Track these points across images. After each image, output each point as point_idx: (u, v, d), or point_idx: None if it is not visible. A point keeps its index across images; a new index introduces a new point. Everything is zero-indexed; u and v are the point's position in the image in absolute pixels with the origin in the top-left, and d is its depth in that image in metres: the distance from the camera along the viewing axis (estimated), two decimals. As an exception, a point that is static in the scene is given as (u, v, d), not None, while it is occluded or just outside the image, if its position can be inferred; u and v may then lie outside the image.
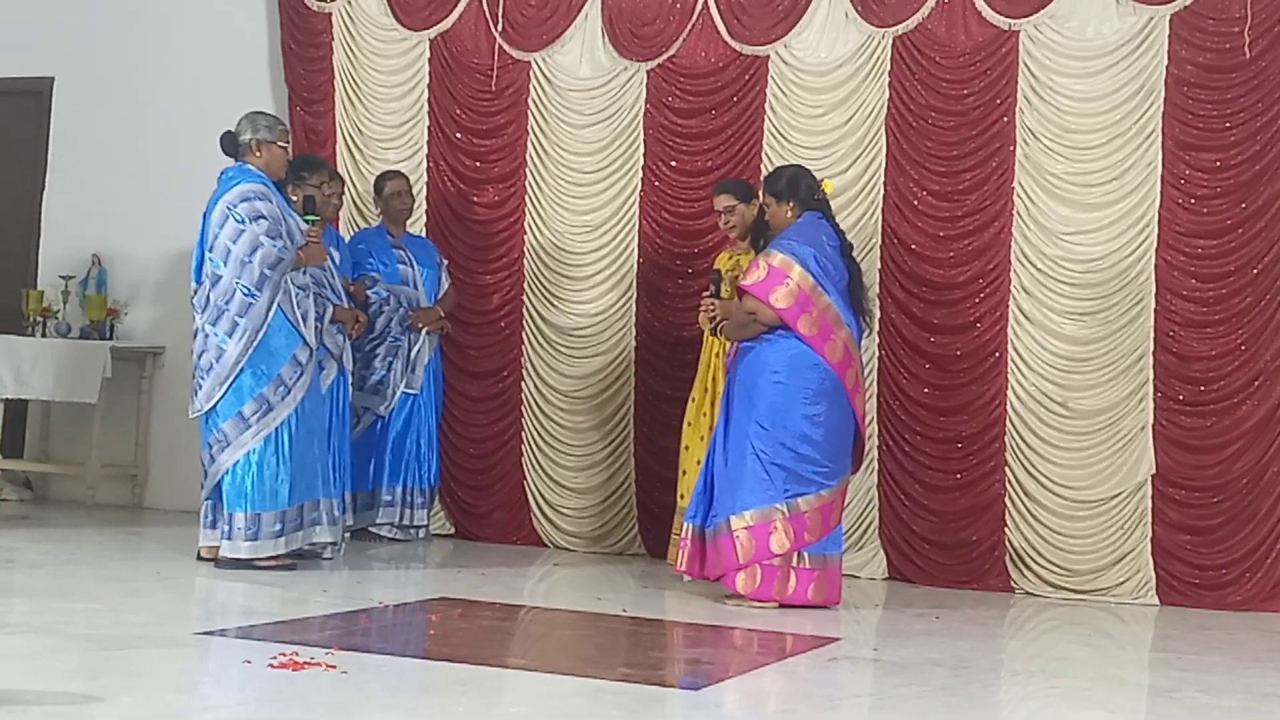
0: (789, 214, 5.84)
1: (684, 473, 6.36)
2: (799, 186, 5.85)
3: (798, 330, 5.64)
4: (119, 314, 8.05)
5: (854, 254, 5.94)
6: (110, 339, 7.93)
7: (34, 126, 8.38)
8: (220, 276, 5.86)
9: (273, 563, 5.86)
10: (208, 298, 5.89)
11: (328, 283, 6.27)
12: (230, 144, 6.06)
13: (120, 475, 8.02)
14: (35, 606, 4.93)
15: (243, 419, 5.84)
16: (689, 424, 6.41)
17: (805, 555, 5.65)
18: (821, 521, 5.67)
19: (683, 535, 5.85)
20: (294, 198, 6.21)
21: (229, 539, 5.84)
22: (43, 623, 4.61)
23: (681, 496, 6.30)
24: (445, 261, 7.30)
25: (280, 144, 6.07)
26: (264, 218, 5.87)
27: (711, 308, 5.94)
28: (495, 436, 7.44)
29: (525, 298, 7.38)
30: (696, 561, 5.77)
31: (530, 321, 7.38)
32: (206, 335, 5.88)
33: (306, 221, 6.06)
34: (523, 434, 7.38)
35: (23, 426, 8.30)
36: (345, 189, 7.34)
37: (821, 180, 5.97)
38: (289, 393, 5.90)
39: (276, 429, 5.86)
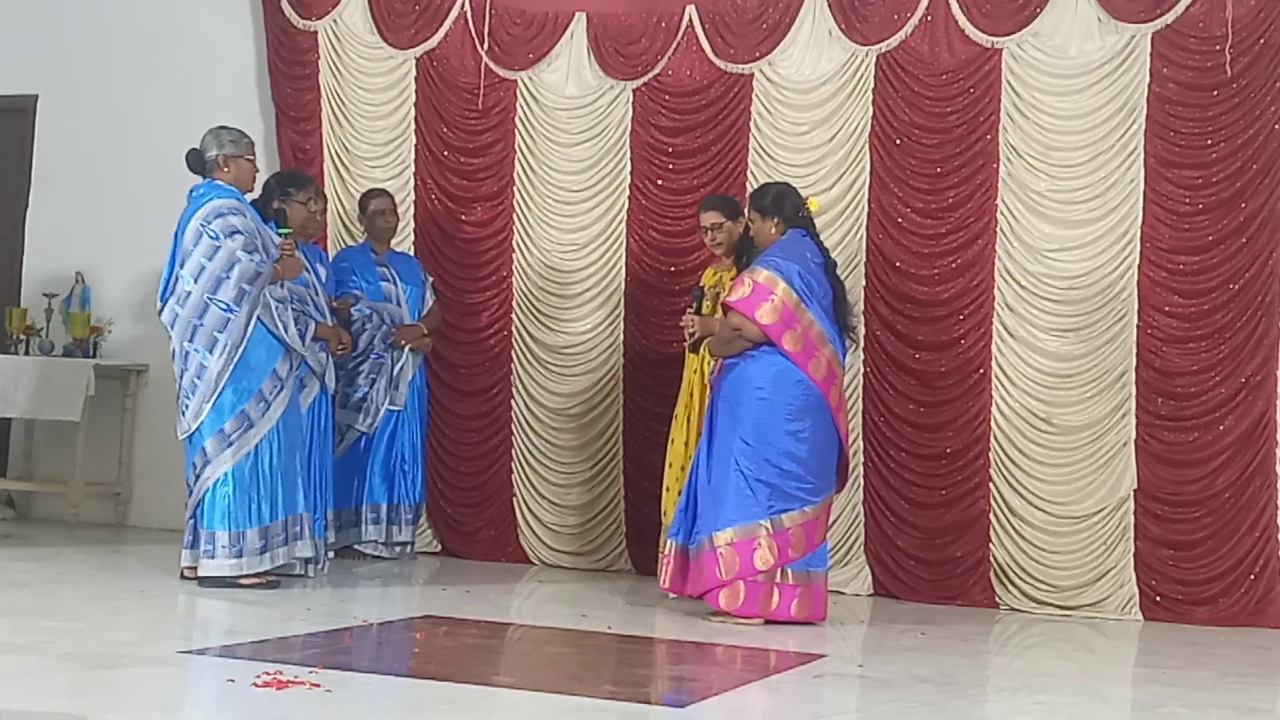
0: (774, 231, 5.86)
1: (667, 489, 6.36)
2: (784, 204, 5.88)
3: (782, 346, 5.66)
4: (102, 332, 8.03)
5: (838, 272, 5.96)
6: (94, 357, 7.92)
7: (18, 144, 8.37)
8: (190, 293, 5.84)
9: (256, 581, 5.84)
10: (176, 314, 5.87)
11: (311, 300, 6.27)
12: (197, 161, 6.03)
13: (104, 493, 8.00)
14: (18, 625, 4.90)
15: (224, 436, 5.82)
16: (672, 441, 6.42)
17: (789, 571, 5.66)
18: (805, 538, 5.68)
19: (666, 552, 5.86)
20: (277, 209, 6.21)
21: (212, 557, 5.81)
22: (26, 642, 4.59)
23: (665, 514, 6.30)
24: (430, 279, 7.30)
25: (247, 157, 6.05)
26: (240, 233, 5.86)
27: (690, 323, 5.97)
28: (486, 455, 7.44)
29: (514, 316, 7.39)
30: (680, 578, 5.77)
31: (519, 339, 7.38)
32: (187, 353, 5.85)
33: (279, 235, 6.05)
34: (513, 451, 7.38)
35: (5, 445, 8.28)
36: (329, 206, 7.34)
37: (807, 198, 6.00)
38: (269, 408, 5.88)
39: (256, 445, 5.85)
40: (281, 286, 6.00)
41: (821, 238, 6.06)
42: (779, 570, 5.63)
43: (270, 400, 5.89)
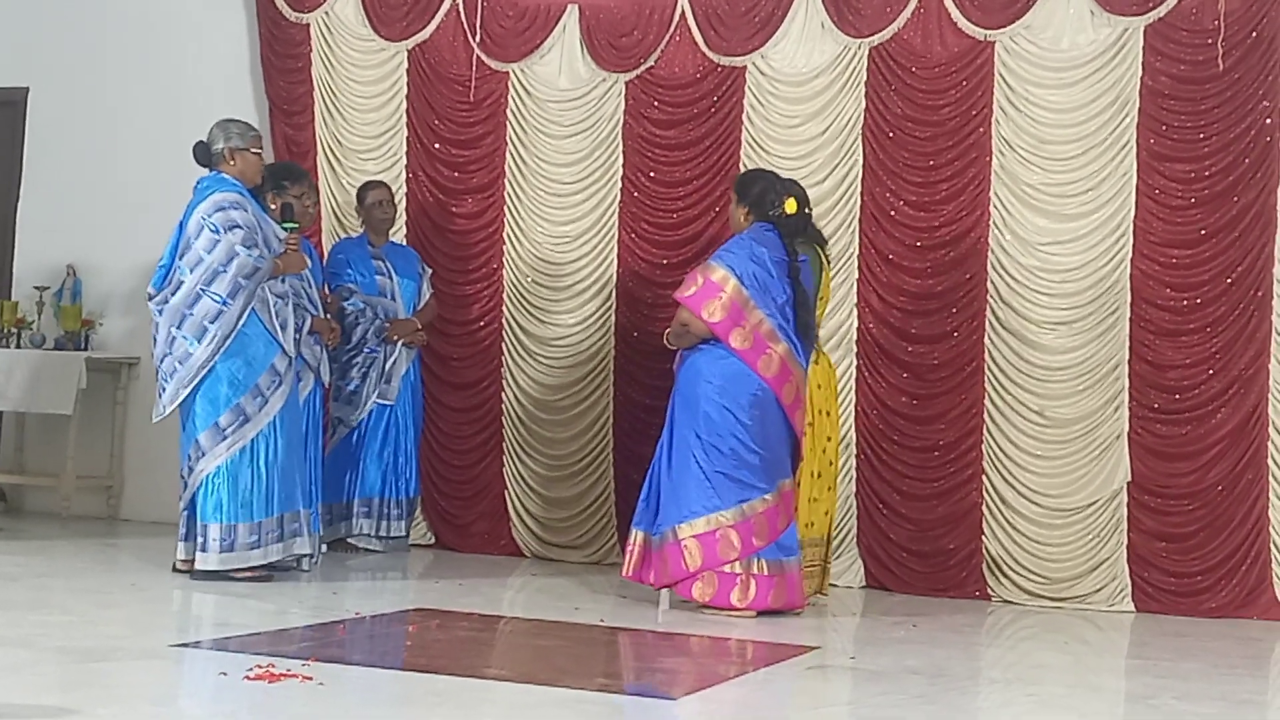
0: (742, 219, 5.88)
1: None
2: (762, 198, 5.87)
3: (729, 344, 5.65)
4: (94, 325, 8.02)
5: (800, 276, 5.79)
6: (85, 350, 7.90)
7: (9, 136, 8.34)
8: (183, 283, 5.83)
9: (249, 574, 5.83)
10: (167, 300, 5.85)
11: (305, 293, 6.26)
12: (203, 154, 6.02)
13: (95, 487, 7.98)
14: (10, 619, 4.89)
15: (219, 430, 5.81)
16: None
17: (764, 562, 5.65)
18: (769, 525, 5.66)
19: (630, 542, 5.84)
20: (273, 205, 6.20)
21: (204, 550, 5.79)
22: (18, 635, 4.58)
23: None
24: (429, 271, 7.29)
25: (254, 150, 6.04)
26: (239, 227, 5.84)
27: None
28: (477, 448, 7.43)
29: (505, 308, 7.38)
30: (645, 568, 5.76)
31: (510, 332, 7.38)
32: (172, 339, 5.83)
33: (284, 229, 6.04)
34: (503, 445, 7.38)
35: (-3, 438, 8.27)
36: (320, 199, 7.32)
37: (785, 198, 5.92)
38: (266, 403, 5.86)
39: (253, 440, 5.83)
40: (283, 282, 5.98)
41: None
42: (752, 561, 5.63)
43: (268, 395, 5.86)
